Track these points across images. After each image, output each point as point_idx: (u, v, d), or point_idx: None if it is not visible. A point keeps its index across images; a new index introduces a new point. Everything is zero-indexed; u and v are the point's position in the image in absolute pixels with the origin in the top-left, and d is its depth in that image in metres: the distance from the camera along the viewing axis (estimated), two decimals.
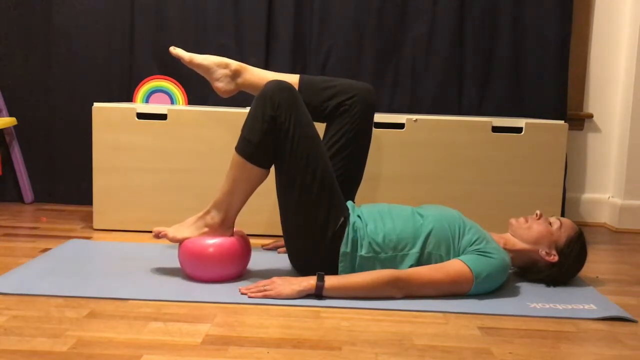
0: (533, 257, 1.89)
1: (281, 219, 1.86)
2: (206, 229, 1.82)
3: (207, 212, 1.83)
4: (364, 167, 2.07)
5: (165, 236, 1.84)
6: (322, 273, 1.71)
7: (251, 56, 2.85)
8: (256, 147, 1.75)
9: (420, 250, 1.78)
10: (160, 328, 1.46)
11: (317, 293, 1.68)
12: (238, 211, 1.84)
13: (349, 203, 1.90)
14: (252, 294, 1.69)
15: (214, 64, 2.05)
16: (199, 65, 2.06)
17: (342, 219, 1.79)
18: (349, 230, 1.79)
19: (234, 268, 1.82)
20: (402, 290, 1.71)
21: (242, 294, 1.70)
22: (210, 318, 1.54)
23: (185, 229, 1.84)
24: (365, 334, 1.47)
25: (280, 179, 1.81)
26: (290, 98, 1.75)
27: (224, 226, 1.83)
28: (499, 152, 2.47)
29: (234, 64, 2.05)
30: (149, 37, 2.86)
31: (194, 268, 1.80)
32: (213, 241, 1.80)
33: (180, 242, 1.82)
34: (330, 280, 1.69)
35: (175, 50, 2.06)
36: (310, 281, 1.69)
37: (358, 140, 2.01)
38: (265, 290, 1.69)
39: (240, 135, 1.78)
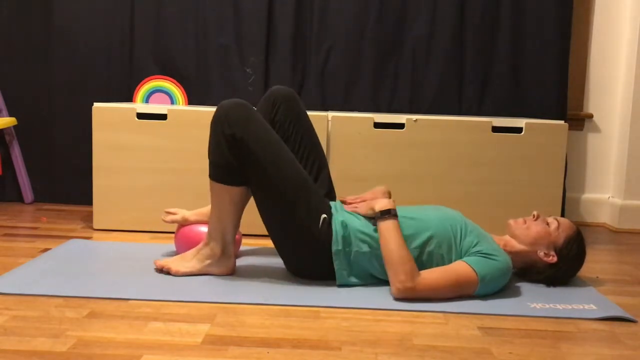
0: (532, 258, 1.89)
1: (267, 230, 1.86)
2: (208, 261, 1.86)
3: (206, 244, 1.86)
4: (323, 152, 2.06)
5: (168, 271, 1.86)
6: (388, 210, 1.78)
7: (251, 56, 2.85)
8: (224, 168, 1.78)
9: (419, 249, 1.78)
10: (160, 328, 1.46)
11: (389, 213, 1.76)
12: (234, 235, 1.87)
13: (336, 203, 1.91)
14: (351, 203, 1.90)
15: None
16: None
17: (323, 216, 1.80)
18: (337, 229, 1.79)
19: None
20: (413, 280, 1.69)
21: (348, 203, 1.91)
22: (210, 318, 1.54)
23: (187, 263, 1.87)
24: (365, 334, 1.47)
25: (255, 191, 1.82)
26: (244, 112, 1.76)
27: (226, 255, 1.86)
28: (499, 152, 2.47)
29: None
30: (149, 37, 2.86)
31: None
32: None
33: (183, 275, 1.86)
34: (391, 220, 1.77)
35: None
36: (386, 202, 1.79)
37: (302, 124, 2.00)
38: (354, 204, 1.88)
39: (209, 162, 1.81)
